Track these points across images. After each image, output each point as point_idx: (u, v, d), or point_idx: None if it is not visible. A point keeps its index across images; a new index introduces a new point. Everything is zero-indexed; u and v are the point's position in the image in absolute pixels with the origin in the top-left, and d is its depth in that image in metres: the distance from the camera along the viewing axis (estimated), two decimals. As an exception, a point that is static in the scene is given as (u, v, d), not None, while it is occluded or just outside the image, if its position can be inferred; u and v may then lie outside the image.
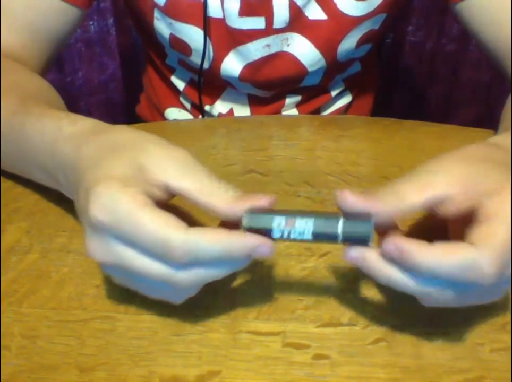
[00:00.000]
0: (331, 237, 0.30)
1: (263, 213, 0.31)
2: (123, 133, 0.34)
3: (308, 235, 0.30)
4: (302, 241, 0.30)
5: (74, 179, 0.34)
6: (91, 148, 0.34)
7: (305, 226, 0.30)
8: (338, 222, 0.30)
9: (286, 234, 0.30)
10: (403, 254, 0.29)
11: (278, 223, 0.30)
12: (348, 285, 0.38)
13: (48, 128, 0.38)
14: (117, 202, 0.30)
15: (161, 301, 0.34)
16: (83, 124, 0.36)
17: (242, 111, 0.71)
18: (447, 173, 0.31)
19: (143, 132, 0.34)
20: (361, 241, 0.30)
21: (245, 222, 0.30)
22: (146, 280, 0.31)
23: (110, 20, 1.06)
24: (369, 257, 0.30)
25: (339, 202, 0.31)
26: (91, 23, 1.05)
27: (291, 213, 0.30)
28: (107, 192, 0.30)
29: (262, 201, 0.31)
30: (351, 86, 0.73)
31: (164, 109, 0.76)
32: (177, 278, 0.30)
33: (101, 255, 0.31)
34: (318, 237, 0.30)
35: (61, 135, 0.36)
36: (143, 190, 0.31)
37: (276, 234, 0.30)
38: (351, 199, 0.30)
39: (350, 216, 0.30)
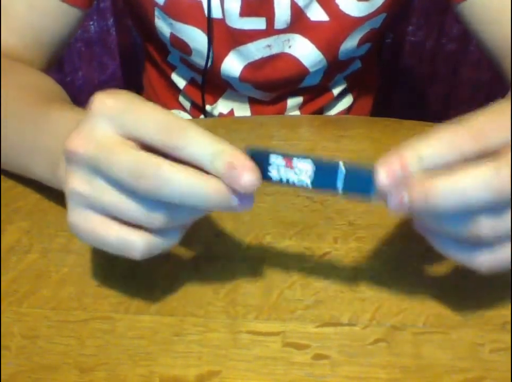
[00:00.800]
0: (331, 180, 0.30)
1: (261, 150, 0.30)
2: None
3: (306, 177, 0.30)
4: (299, 184, 0.30)
5: None
6: None
7: (304, 167, 0.30)
8: (338, 165, 0.29)
9: (283, 172, 0.30)
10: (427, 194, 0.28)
11: (275, 159, 0.30)
12: (348, 285, 0.38)
13: (75, 118, 0.37)
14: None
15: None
16: None
17: (243, 112, 0.71)
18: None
19: None
20: (364, 185, 0.29)
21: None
22: (115, 174, 0.30)
23: (110, 20, 1.05)
24: (411, 184, 0.29)
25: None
26: (91, 23, 1.05)
27: (289, 154, 0.30)
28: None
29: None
30: (352, 84, 0.73)
31: (165, 111, 0.76)
32: (146, 159, 0.29)
33: (84, 142, 0.30)
34: (318, 180, 0.30)
35: None
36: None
37: (273, 173, 0.30)
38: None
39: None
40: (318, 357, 0.34)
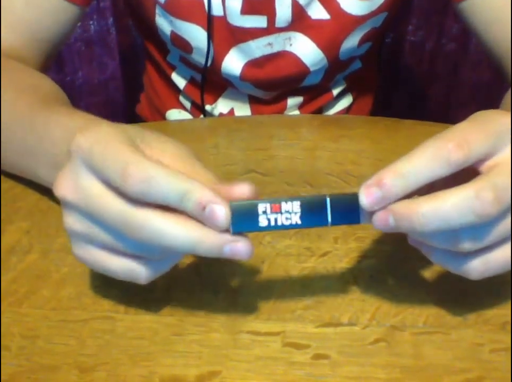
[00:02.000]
0: (320, 215, 0.30)
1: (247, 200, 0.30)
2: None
3: (296, 218, 0.30)
4: (290, 227, 0.30)
5: None
6: None
7: (292, 209, 0.30)
8: (325, 199, 0.30)
9: (273, 221, 0.30)
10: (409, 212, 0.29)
11: (264, 208, 0.30)
12: (348, 285, 0.38)
13: (75, 123, 0.38)
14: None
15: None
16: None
17: (243, 111, 0.71)
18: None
19: None
20: (352, 212, 0.30)
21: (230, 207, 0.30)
22: (106, 224, 0.30)
23: (110, 20, 1.05)
24: (396, 207, 0.30)
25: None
26: (91, 22, 1.05)
27: (275, 199, 0.30)
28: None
29: (243, 188, 0.30)
30: (352, 84, 0.73)
31: (165, 111, 0.76)
32: (132, 213, 0.29)
33: (71, 189, 0.31)
34: (307, 219, 0.30)
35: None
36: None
37: (263, 222, 0.30)
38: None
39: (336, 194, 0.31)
40: (318, 357, 0.34)
